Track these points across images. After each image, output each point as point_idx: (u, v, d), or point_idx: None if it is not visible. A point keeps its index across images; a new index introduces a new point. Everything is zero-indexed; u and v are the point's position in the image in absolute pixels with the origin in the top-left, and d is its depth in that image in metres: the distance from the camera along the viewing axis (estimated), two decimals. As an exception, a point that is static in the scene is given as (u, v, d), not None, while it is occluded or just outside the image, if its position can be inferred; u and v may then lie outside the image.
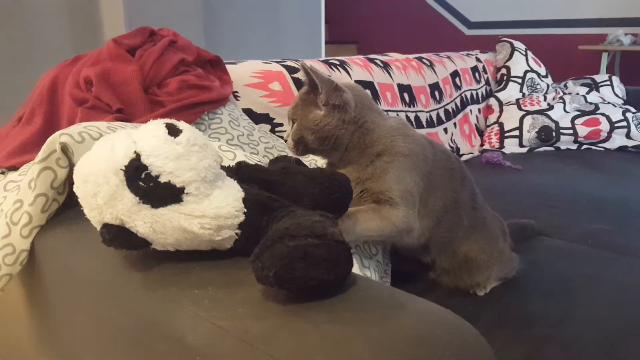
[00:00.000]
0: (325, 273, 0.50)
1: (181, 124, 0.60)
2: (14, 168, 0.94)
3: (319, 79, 0.83)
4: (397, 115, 1.76)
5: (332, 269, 0.51)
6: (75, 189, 0.60)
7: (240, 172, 0.71)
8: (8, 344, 1.00)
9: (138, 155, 0.56)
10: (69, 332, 0.77)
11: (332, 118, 0.85)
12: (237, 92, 1.31)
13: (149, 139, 0.57)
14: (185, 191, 0.57)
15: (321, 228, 0.53)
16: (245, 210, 0.60)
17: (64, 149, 0.74)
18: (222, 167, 0.71)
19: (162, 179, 0.56)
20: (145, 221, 0.57)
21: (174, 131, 0.58)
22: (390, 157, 0.85)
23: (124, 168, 0.55)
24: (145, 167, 0.56)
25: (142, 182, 0.56)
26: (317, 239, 0.51)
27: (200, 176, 0.58)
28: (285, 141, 0.90)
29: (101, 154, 0.58)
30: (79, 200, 0.60)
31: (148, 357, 0.58)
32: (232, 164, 0.76)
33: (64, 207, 0.78)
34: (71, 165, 0.76)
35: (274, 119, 1.35)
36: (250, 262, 0.51)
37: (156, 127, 0.59)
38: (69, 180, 0.77)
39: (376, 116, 0.89)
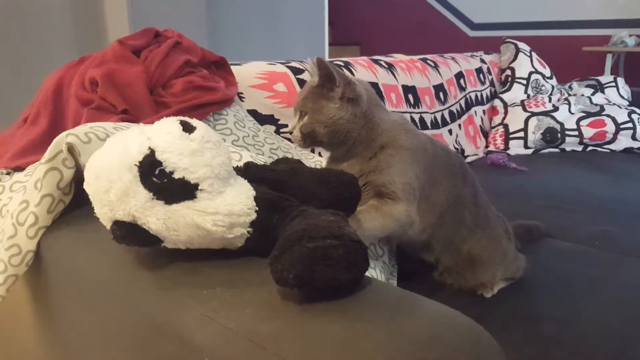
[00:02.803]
0: (344, 273, 0.50)
1: (194, 122, 0.60)
2: (20, 169, 0.94)
3: (337, 73, 0.84)
4: (402, 116, 1.76)
5: (350, 269, 0.51)
6: (85, 186, 0.59)
7: (248, 172, 0.71)
8: (13, 345, 0.99)
9: (152, 151, 0.56)
10: (74, 333, 0.77)
11: (346, 112, 0.85)
12: (241, 93, 1.31)
13: (163, 135, 0.57)
14: (199, 188, 0.57)
15: (338, 228, 0.53)
16: (257, 208, 0.60)
17: (71, 150, 0.74)
18: (231, 167, 0.71)
19: (177, 175, 0.56)
20: (159, 217, 0.56)
21: (188, 128, 0.58)
22: (394, 150, 0.86)
23: (138, 164, 0.55)
24: (159, 163, 0.56)
25: (156, 177, 0.56)
26: (335, 240, 0.51)
27: (214, 173, 0.58)
28: (290, 133, 0.90)
29: (114, 151, 0.57)
30: (89, 197, 0.59)
31: (155, 358, 0.57)
32: (239, 164, 0.76)
33: (70, 208, 0.78)
34: (77, 166, 0.76)
35: (278, 120, 1.35)
36: (268, 264, 0.51)
37: (170, 124, 0.59)
38: (75, 181, 0.77)
39: (382, 112, 0.91)
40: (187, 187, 0.56)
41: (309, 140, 0.88)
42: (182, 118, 0.60)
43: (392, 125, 0.89)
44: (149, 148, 0.56)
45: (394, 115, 0.93)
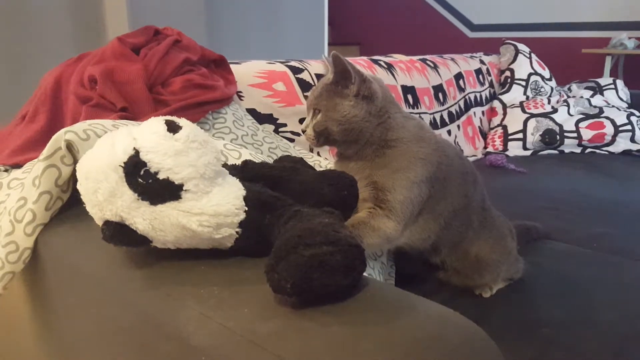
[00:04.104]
0: (342, 278, 0.50)
1: (181, 121, 0.60)
2: (18, 166, 0.93)
3: (353, 69, 0.83)
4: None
5: (348, 274, 0.51)
6: (78, 186, 0.60)
7: (245, 170, 0.70)
8: (10, 342, 0.99)
9: (137, 152, 0.56)
10: (71, 331, 0.77)
11: (360, 110, 0.83)
12: (240, 92, 1.30)
13: (148, 136, 0.57)
14: (184, 188, 0.57)
15: (334, 233, 0.52)
16: (247, 208, 0.60)
17: (69, 147, 0.74)
18: (227, 166, 0.70)
19: (161, 176, 0.56)
20: (145, 218, 0.56)
21: (173, 128, 0.58)
22: (407, 159, 0.84)
23: (123, 164, 0.55)
24: (144, 164, 0.56)
25: (141, 178, 0.56)
26: (332, 246, 0.50)
27: (199, 173, 0.57)
28: (303, 132, 0.88)
29: (102, 151, 0.58)
30: (81, 197, 0.59)
31: (152, 357, 0.57)
32: (238, 163, 0.76)
33: (68, 205, 0.78)
34: (76, 163, 0.75)
35: (277, 119, 1.35)
36: (265, 273, 0.50)
37: (156, 124, 0.58)
38: (73, 178, 0.76)
39: (397, 112, 0.88)
40: (171, 188, 0.56)
41: (322, 138, 0.86)
42: (168, 117, 0.60)
43: (408, 135, 0.86)
44: (134, 149, 0.56)
45: (411, 122, 0.89)
